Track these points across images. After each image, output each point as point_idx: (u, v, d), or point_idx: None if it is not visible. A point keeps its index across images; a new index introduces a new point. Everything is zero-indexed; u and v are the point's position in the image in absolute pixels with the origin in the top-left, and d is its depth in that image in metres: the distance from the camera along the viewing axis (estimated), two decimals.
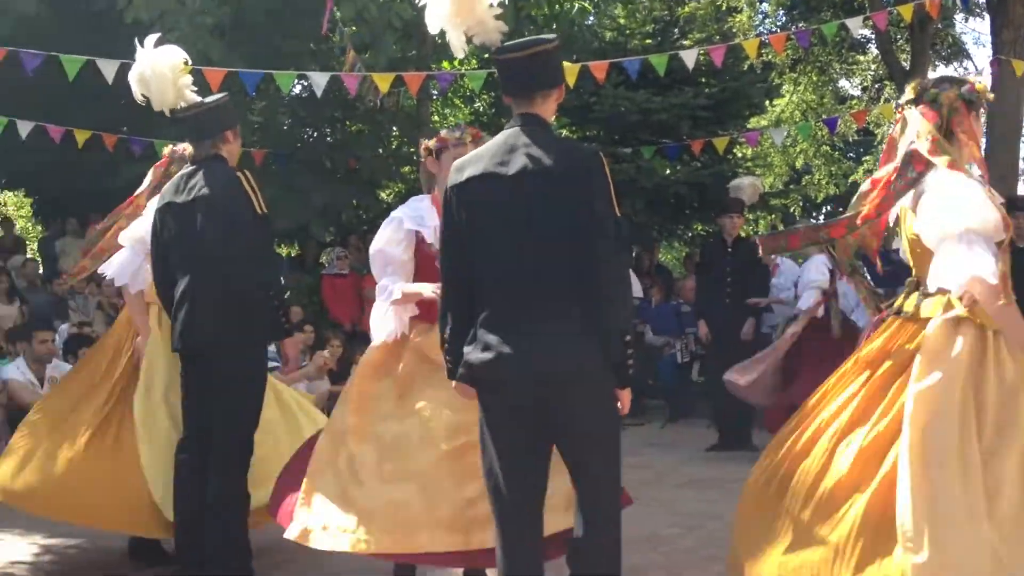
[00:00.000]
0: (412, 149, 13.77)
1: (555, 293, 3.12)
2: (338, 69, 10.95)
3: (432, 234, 4.15)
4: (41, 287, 11.15)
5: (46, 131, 9.93)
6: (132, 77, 4.83)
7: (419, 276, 4.17)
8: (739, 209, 9.19)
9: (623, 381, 3.22)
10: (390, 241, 4.19)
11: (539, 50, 3.22)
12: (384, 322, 4.26)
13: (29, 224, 18.32)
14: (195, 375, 4.56)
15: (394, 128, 13.91)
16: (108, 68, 8.51)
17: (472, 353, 3.18)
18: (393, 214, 4.29)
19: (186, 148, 5.07)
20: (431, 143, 4.31)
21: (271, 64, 10.27)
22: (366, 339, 10.74)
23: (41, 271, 12.46)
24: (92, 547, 5.44)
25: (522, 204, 3.12)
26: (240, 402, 4.51)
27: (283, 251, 14.53)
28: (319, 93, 9.73)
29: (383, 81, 9.62)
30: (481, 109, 16.05)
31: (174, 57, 4.77)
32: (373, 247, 4.27)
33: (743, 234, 9.32)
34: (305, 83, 11.59)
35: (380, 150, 13.42)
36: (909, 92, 3.35)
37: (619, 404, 3.24)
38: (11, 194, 19.38)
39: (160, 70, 4.70)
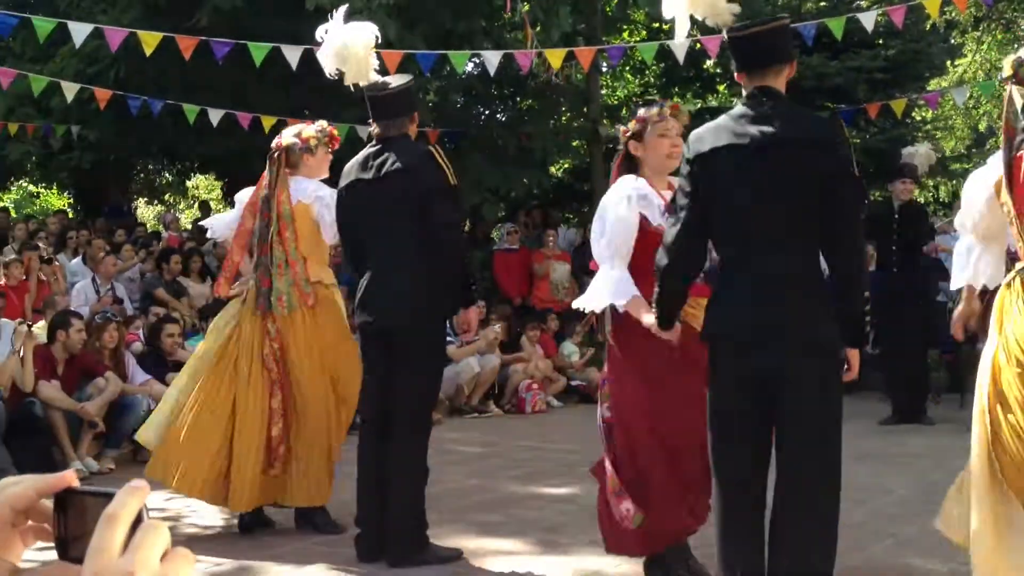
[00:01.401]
0: (581, 123, 13.47)
1: (795, 260, 3.15)
2: (510, 46, 10.74)
3: (658, 214, 3.83)
4: None
5: (235, 117, 10.10)
6: (326, 52, 4.72)
7: (642, 257, 3.77)
8: (912, 174, 8.90)
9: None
10: (622, 220, 3.82)
11: (776, 26, 3.33)
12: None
13: (220, 206, 18.97)
14: (384, 351, 4.46)
15: (563, 103, 13.61)
16: (292, 54, 8.53)
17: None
18: (621, 191, 3.91)
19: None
20: (632, 126, 4.00)
21: (444, 43, 10.13)
22: (534, 313, 10.86)
23: None
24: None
25: (764, 173, 3.14)
26: (427, 375, 4.49)
27: None
28: (492, 71, 9.53)
29: (555, 57, 9.35)
30: (651, 80, 15.58)
31: (368, 33, 4.68)
32: (608, 219, 3.88)
33: (913, 200, 9.02)
34: (478, 61, 11.42)
35: (551, 124, 13.15)
36: (1007, 68, 3.04)
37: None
38: (203, 178, 20.09)
39: (355, 47, 4.62)
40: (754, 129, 3.17)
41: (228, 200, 16.21)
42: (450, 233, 4.40)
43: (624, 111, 15.70)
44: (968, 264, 3.44)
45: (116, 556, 0.76)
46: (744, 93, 3.32)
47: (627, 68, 15.51)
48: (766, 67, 3.27)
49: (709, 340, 3.28)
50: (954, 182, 17.71)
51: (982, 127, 19.41)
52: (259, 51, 8.62)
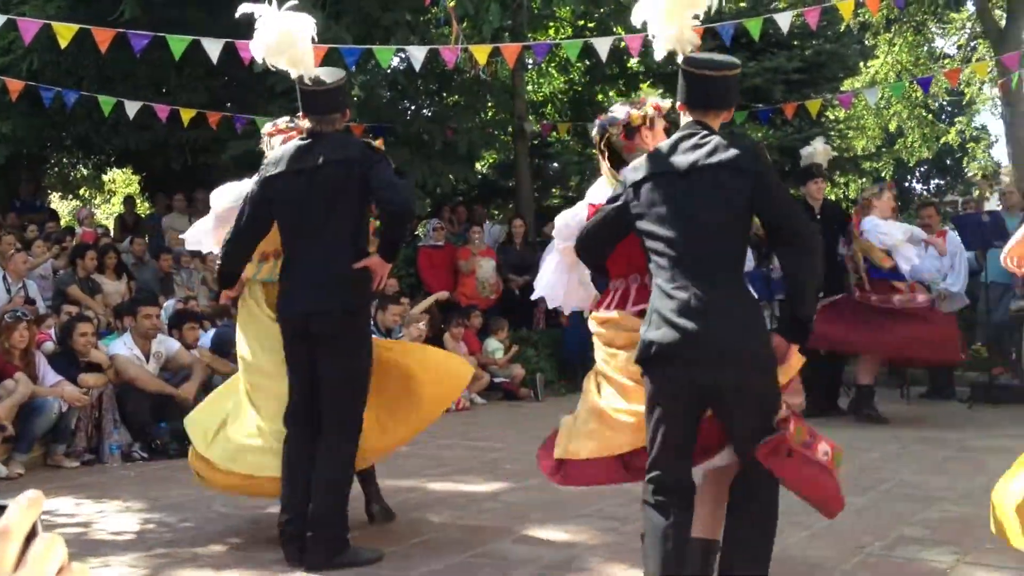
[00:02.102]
0: (506, 115, 13.36)
1: (726, 279, 3.21)
2: (436, 41, 10.57)
3: None
4: (148, 263, 11.01)
5: (153, 110, 9.76)
6: (260, 42, 4.50)
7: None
8: (821, 173, 9.03)
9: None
10: None
11: (729, 75, 3.34)
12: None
13: (137, 201, 18.46)
14: (310, 347, 4.33)
15: (489, 99, 13.49)
16: (213, 47, 8.25)
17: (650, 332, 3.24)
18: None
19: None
20: (649, 112, 3.80)
21: (369, 36, 9.92)
22: (459, 310, 10.75)
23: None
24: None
25: (694, 196, 3.22)
26: (355, 372, 4.36)
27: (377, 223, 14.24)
28: (417, 66, 9.35)
29: (481, 52, 9.21)
30: (576, 78, 15.53)
31: (306, 24, 4.47)
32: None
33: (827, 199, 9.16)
34: (403, 56, 11.22)
35: (477, 120, 13.01)
36: None
37: None
38: (120, 172, 19.48)
39: (292, 38, 4.43)
40: (685, 156, 3.26)
41: (147, 195, 15.73)
42: (398, 191, 4.28)
43: (549, 108, 15.64)
44: None
45: (8, 573, 0.71)
46: (680, 122, 3.38)
47: (552, 65, 15.44)
48: (707, 109, 3.35)
49: (644, 360, 3.26)
50: (863, 180, 18.08)
51: (892, 127, 19.81)
52: (178, 43, 8.31)
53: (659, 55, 3.54)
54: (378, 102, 12.09)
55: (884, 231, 8.08)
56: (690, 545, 3.32)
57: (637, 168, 3.39)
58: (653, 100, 3.84)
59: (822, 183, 8.93)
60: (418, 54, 9.22)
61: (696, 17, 3.44)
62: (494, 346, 10.33)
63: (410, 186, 4.49)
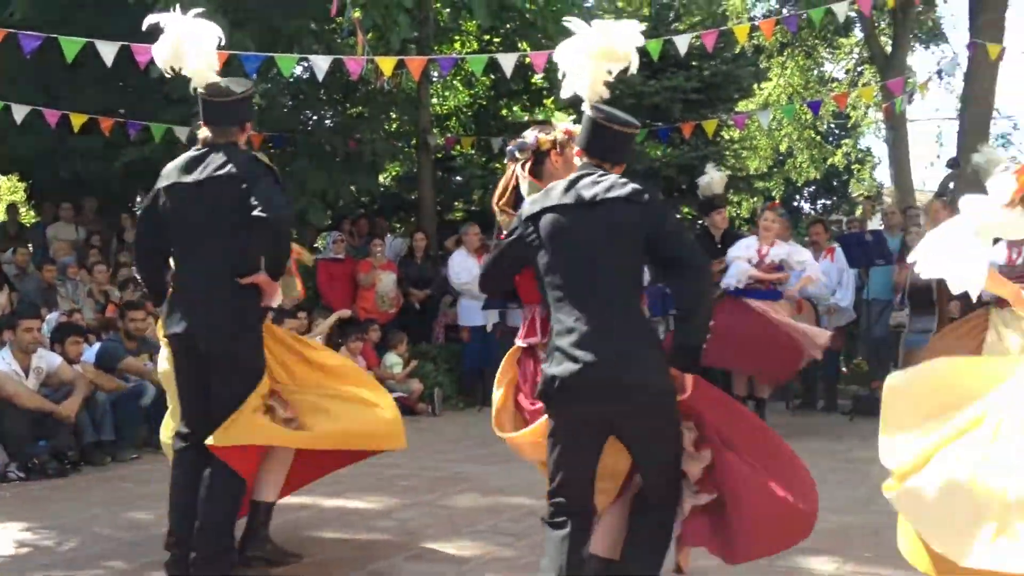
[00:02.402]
0: (411, 128, 13.29)
1: (622, 309, 3.26)
2: (340, 50, 10.46)
3: None
4: (31, 274, 10.56)
5: (42, 115, 9.41)
6: (164, 47, 4.39)
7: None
8: (723, 203, 9.27)
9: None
10: None
11: (628, 132, 3.43)
12: None
13: (21, 209, 17.73)
14: (200, 364, 4.20)
15: (393, 111, 13.40)
16: (107, 50, 8.02)
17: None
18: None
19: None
20: (559, 137, 3.79)
21: (272, 44, 9.76)
22: (356, 324, 10.62)
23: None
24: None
25: (589, 230, 3.29)
26: (246, 390, 4.21)
27: None
28: (321, 76, 9.24)
29: (386, 64, 9.16)
30: (481, 93, 15.56)
31: (210, 30, 4.39)
32: None
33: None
34: (306, 64, 11.09)
35: (381, 132, 12.90)
36: None
37: None
38: (4, 178, 18.71)
39: (198, 42, 4.34)
40: (582, 191, 3.31)
41: (32, 203, 15.12)
42: (280, 211, 4.09)
43: (453, 121, 15.63)
44: None
45: None
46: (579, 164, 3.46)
47: (457, 79, 15.44)
48: (604, 159, 3.42)
49: (547, 395, 3.29)
50: (755, 199, 18.55)
51: (783, 147, 20.37)
52: (71, 45, 8.05)
53: (565, 94, 3.58)
54: (279, 111, 11.90)
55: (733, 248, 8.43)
56: (589, 561, 3.39)
57: (534, 202, 3.44)
58: (564, 125, 3.84)
59: (724, 211, 9.18)
60: (321, 63, 9.12)
61: (609, 72, 3.49)
62: (392, 360, 10.24)
63: (289, 201, 4.32)
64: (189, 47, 4.32)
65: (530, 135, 3.83)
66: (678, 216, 15.91)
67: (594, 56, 3.47)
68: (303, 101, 12.80)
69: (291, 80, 12.04)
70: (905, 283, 9.22)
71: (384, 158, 13.07)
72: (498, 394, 3.83)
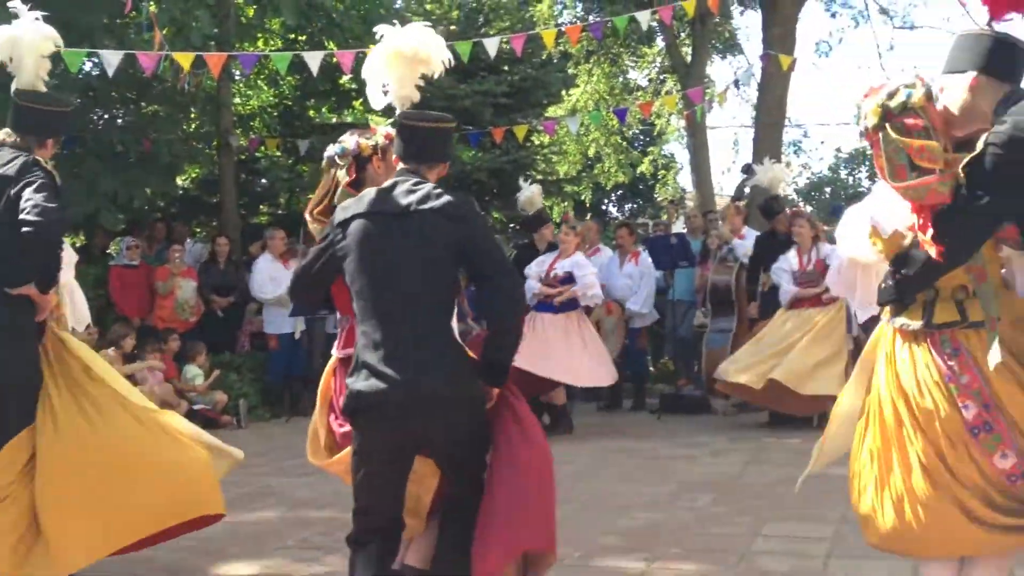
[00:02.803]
0: (211, 128, 12.84)
1: (430, 322, 3.22)
2: (135, 46, 9.97)
3: None
4: None
5: None
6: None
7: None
8: (549, 218, 9.52)
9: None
10: None
11: (439, 127, 3.42)
12: None
13: None
14: None
15: (192, 110, 12.91)
16: None
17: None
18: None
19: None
20: (380, 142, 3.70)
21: (64, 38, 9.20)
22: (156, 333, 10.16)
23: None
24: None
25: (402, 240, 3.23)
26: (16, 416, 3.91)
27: (68, 240, 13.20)
28: (111, 72, 8.78)
29: (184, 60, 8.80)
30: (286, 92, 15.20)
31: (50, 34, 4.28)
32: None
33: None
34: (96, 60, 10.52)
35: (180, 132, 12.40)
36: (872, 117, 2.95)
37: None
38: None
39: (35, 42, 4.19)
40: (397, 200, 3.26)
41: None
42: (40, 212, 3.76)
43: (257, 122, 15.21)
44: None
45: None
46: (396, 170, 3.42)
47: (261, 78, 15.03)
48: (420, 161, 3.38)
49: (352, 412, 3.23)
50: (565, 203, 19.01)
51: (591, 153, 20.93)
52: None
53: (377, 105, 3.56)
54: None
55: None
56: (404, 573, 3.39)
57: (346, 208, 3.36)
58: (384, 129, 3.79)
59: (551, 225, 9.43)
60: (112, 59, 8.67)
61: (423, 77, 3.47)
62: (193, 372, 9.85)
63: (63, 209, 4.01)
64: (26, 48, 4.18)
65: (351, 140, 3.75)
66: (490, 222, 16.12)
67: (400, 60, 3.43)
68: (94, 99, 12.14)
69: (79, 76, 11.39)
70: (706, 285, 9.63)
71: (182, 159, 12.57)
72: (315, 413, 3.74)
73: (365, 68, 3.53)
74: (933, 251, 2.83)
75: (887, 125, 2.88)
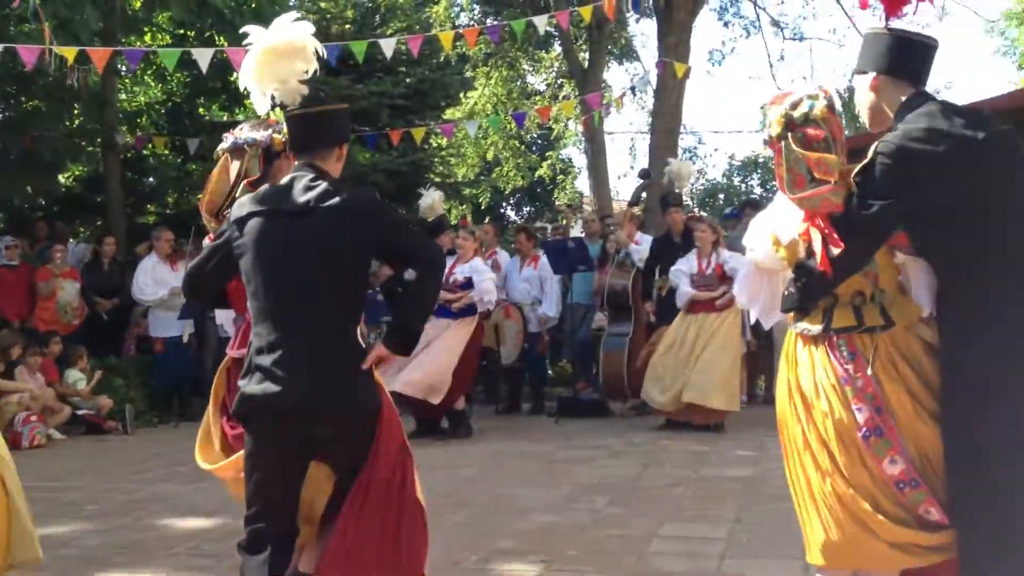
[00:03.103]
0: (95, 125, 12.45)
1: (327, 324, 3.14)
2: (16, 39, 9.60)
3: None
4: None
5: None
6: None
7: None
8: (449, 226, 9.46)
9: None
10: None
11: (327, 110, 3.37)
12: None
13: None
14: None
15: (76, 106, 12.48)
16: None
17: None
18: None
19: None
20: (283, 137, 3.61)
21: None
22: (37, 336, 9.81)
23: None
24: None
25: (300, 238, 3.14)
26: None
27: None
28: None
29: (68, 54, 8.52)
30: (175, 88, 14.82)
31: None
32: None
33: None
34: None
35: (62, 128, 11.98)
36: (775, 126, 3.01)
37: None
38: None
39: None
40: (295, 197, 3.17)
41: None
42: None
43: (144, 119, 14.81)
44: None
45: None
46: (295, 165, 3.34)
47: (149, 73, 14.64)
48: (314, 150, 3.30)
49: (244, 415, 3.16)
50: (463, 206, 19.05)
51: (490, 156, 21.01)
52: None
53: (263, 110, 3.46)
54: None
55: None
56: None
57: (243, 205, 3.27)
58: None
59: (452, 234, 9.34)
60: None
61: (305, 72, 3.38)
62: (75, 377, 9.53)
63: None
64: None
65: (262, 133, 3.64)
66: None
67: (275, 56, 3.35)
68: None
69: None
70: (604, 288, 9.74)
71: (64, 157, 12.16)
72: (207, 415, 3.64)
73: (242, 75, 3.42)
74: (819, 261, 2.89)
75: (789, 136, 2.94)
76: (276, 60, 3.36)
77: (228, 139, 3.63)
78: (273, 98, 3.40)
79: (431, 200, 9.53)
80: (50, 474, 7.31)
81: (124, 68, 12.98)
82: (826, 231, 2.89)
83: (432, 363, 8.24)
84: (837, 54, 56.70)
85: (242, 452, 3.36)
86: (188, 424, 8.96)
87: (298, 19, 3.40)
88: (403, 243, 3.24)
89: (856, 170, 2.86)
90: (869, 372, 2.96)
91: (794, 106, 2.96)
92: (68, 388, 9.39)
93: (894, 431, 2.92)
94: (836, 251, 2.88)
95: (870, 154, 2.84)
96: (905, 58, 2.93)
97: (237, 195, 3.51)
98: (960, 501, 2.84)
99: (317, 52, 3.40)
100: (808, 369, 3.07)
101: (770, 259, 3.15)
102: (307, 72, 3.38)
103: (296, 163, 3.31)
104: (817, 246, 2.92)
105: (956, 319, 2.90)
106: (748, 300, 3.36)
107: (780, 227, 3.07)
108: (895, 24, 3.02)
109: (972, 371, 2.85)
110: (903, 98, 2.94)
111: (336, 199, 3.14)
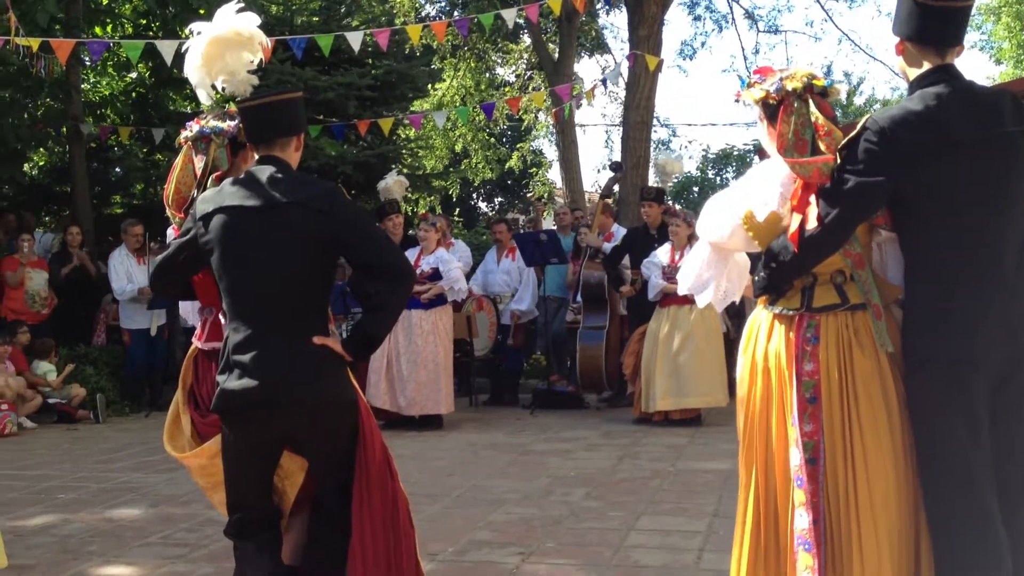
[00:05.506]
0: (60, 114, 12.30)
1: (298, 321, 3.17)
2: None
3: None
4: None
5: None
6: None
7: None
8: (395, 210, 9.38)
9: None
10: None
11: (282, 99, 3.27)
12: None
13: None
14: None
15: (40, 96, 12.32)
16: None
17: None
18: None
19: None
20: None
21: None
22: (6, 326, 9.71)
23: None
24: None
25: (265, 234, 3.13)
26: None
27: None
28: None
29: (31, 44, 8.43)
30: (141, 80, 14.64)
31: None
32: None
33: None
34: None
35: (26, 117, 11.83)
36: (796, 81, 2.97)
37: None
38: None
39: None
40: (258, 192, 3.16)
41: None
42: None
43: (108, 109, 14.65)
44: None
45: None
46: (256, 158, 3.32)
47: (112, 64, 14.47)
48: (271, 142, 3.26)
49: (222, 411, 3.18)
50: (432, 198, 18.97)
51: (459, 148, 20.97)
52: None
53: (208, 100, 3.47)
54: None
55: None
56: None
57: (207, 200, 3.25)
58: None
59: (398, 219, 9.25)
60: None
61: (252, 62, 3.37)
62: (44, 368, 9.49)
63: None
64: None
65: (228, 122, 3.58)
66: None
67: (222, 46, 3.33)
68: None
69: None
70: (578, 281, 9.79)
71: (28, 146, 12.03)
72: (175, 403, 3.65)
73: (187, 67, 3.38)
74: (790, 234, 2.88)
75: (808, 97, 2.95)
76: (224, 51, 3.34)
77: (193, 127, 3.56)
78: (223, 90, 3.40)
79: (388, 182, 9.57)
80: (22, 463, 7.28)
81: (87, 59, 12.82)
82: (799, 204, 2.89)
83: (426, 375, 8.48)
84: (814, 47, 57.41)
85: (211, 442, 3.42)
86: (159, 413, 8.93)
87: (241, 8, 3.37)
88: (374, 250, 3.18)
89: (843, 143, 2.87)
90: (821, 357, 2.95)
91: (813, 76, 2.98)
92: (38, 378, 9.39)
93: (817, 423, 2.93)
94: (810, 227, 2.85)
95: (858, 128, 2.85)
96: (925, 24, 2.86)
97: (207, 188, 3.47)
98: (933, 492, 2.85)
99: (262, 42, 3.39)
100: (767, 342, 3.07)
101: (735, 238, 3.07)
102: (253, 62, 3.37)
103: (256, 156, 3.30)
104: (794, 222, 2.89)
105: (919, 307, 2.89)
106: (694, 285, 3.28)
107: (756, 203, 3.00)
108: None
109: (928, 356, 2.84)
110: (922, 69, 2.90)
111: (299, 194, 3.13)
